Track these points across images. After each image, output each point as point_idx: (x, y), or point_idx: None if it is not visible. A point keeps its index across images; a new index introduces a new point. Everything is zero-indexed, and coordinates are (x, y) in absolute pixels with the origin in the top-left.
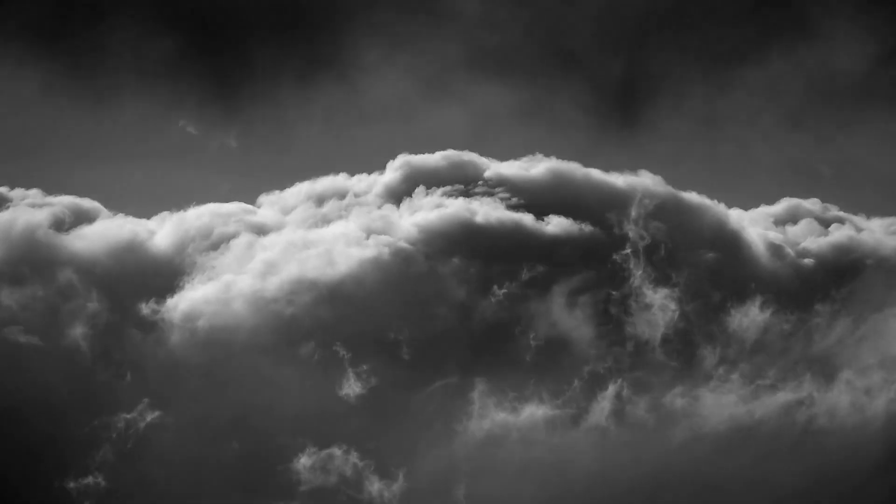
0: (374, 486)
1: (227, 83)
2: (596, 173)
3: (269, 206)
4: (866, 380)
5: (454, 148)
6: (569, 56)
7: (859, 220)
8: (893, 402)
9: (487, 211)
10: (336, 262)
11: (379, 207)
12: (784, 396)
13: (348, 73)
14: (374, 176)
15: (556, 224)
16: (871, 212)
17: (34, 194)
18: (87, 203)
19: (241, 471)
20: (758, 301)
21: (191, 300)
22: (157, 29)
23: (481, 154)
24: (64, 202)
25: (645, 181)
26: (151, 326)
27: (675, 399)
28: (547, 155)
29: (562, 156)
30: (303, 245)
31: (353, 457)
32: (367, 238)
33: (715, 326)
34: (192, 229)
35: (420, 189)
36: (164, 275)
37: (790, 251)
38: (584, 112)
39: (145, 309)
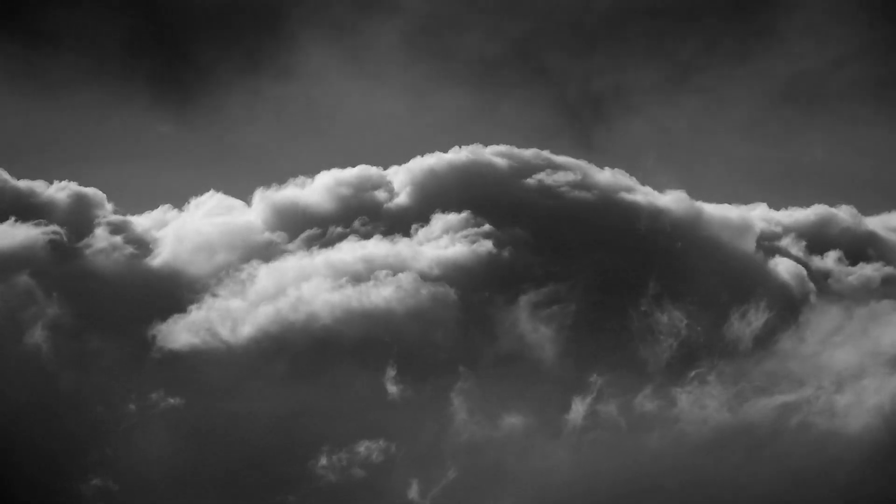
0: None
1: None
2: (621, 195)
3: (261, 202)
4: (854, 380)
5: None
6: (533, 61)
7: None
8: (880, 402)
9: (511, 250)
10: (361, 295)
11: (389, 233)
12: (772, 399)
13: (304, 74)
14: (382, 186)
15: (575, 257)
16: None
17: (38, 185)
18: (91, 192)
19: (265, 469)
20: (757, 309)
21: (201, 319)
22: (106, 15)
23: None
24: (70, 188)
25: (668, 198)
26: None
27: (668, 403)
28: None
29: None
30: (319, 273)
31: (378, 450)
32: (395, 276)
33: (713, 335)
34: (198, 248)
35: (437, 215)
36: (175, 294)
37: (812, 287)
38: (545, 114)
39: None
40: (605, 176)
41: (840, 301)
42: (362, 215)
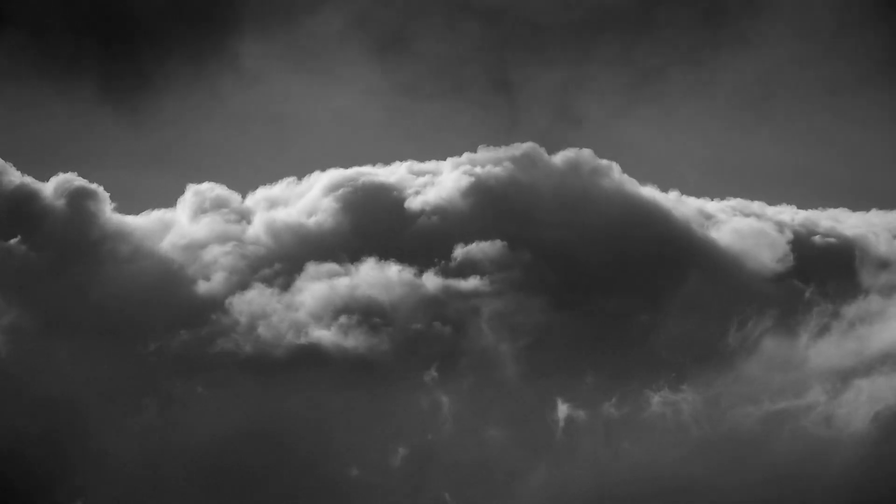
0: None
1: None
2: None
3: (257, 205)
4: (846, 382)
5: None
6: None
7: None
8: (873, 404)
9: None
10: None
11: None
12: (761, 404)
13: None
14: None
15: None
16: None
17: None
18: (93, 187)
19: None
20: (759, 317)
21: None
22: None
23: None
24: (73, 183)
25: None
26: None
27: (658, 409)
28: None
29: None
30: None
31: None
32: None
33: (708, 341)
34: (200, 266)
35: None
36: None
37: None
38: (506, 120)
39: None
40: (618, 177)
41: (832, 302)
42: (374, 237)
